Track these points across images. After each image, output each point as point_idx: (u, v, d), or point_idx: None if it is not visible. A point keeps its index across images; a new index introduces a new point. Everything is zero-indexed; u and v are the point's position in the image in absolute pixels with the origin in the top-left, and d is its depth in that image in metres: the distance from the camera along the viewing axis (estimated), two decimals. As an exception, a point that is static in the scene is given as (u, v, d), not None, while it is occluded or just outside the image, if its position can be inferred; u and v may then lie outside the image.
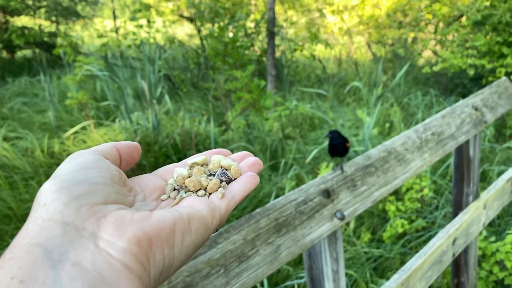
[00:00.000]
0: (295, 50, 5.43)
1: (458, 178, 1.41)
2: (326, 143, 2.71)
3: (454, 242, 1.28)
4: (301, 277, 1.82)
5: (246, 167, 0.38)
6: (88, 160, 0.31)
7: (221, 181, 0.36)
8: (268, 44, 4.49)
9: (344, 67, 6.30)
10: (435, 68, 4.22)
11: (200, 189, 0.35)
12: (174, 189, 0.36)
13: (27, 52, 7.33)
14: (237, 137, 3.26)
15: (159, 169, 0.39)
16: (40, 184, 2.80)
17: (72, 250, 0.25)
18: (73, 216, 0.27)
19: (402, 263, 2.00)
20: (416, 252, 2.05)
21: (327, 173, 0.96)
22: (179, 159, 3.00)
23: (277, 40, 5.51)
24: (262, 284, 1.69)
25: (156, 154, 2.85)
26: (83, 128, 3.61)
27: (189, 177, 0.36)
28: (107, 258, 0.26)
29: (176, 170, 0.37)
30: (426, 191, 2.24)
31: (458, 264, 1.51)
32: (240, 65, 3.62)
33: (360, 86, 3.29)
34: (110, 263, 0.26)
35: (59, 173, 0.30)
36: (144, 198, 0.34)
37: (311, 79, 5.64)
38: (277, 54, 5.49)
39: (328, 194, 0.92)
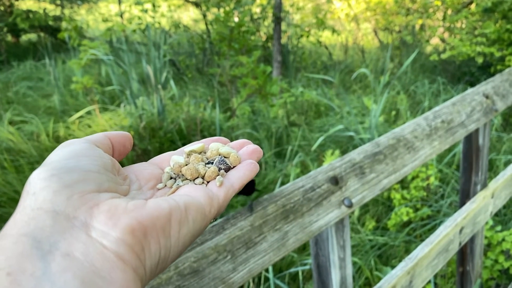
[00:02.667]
0: (301, 36, 5.37)
1: (467, 167, 1.39)
2: (331, 130, 2.69)
3: (461, 231, 1.28)
4: (305, 264, 1.83)
5: (245, 155, 0.37)
6: (79, 148, 0.30)
7: (220, 169, 0.35)
8: (274, 29, 4.44)
9: (350, 54, 6.24)
10: (443, 56, 4.16)
11: (197, 177, 0.34)
12: (171, 178, 0.34)
13: (32, 36, 7.30)
14: (242, 124, 3.25)
15: (155, 157, 0.37)
16: (45, 168, 2.81)
17: (62, 240, 0.24)
18: (64, 205, 0.25)
19: (407, 251, 2.00)
20: (421, 240, 2.05)
21: (335, 160, 0.95)
22: (184, 145, 2.99)
23: (283, 26, 5.45)
24: (267, 270, 1.70)
25: (161, 139, 2.84)
26: (88, 112, 3.61)
27: (186, 165, 0.35)
28: (99, 249, 0.24)
29: (173, 158, 0.36)
30: (432, 179, 2.22)
31: (464, 253, 1.50)
32: (246, 51, 3.59)
33: (367, 73, 3.26)
34: (103, 253, 0.24)
35: (49, 160, 0.29)
36: (139, 187, 0.32)
37: (317, 65, 5.59)
38: (283, 40, 5.43)
39: (336, 181, 0.91)
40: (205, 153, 0.37)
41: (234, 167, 0.35)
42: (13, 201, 2.44)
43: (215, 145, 0.37)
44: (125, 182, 0.32)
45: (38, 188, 0.26)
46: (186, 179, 0.34)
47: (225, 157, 0.36)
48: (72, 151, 0.30)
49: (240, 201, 2.51)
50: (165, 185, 0.34)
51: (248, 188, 0.84)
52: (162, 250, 0.27)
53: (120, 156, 0.35)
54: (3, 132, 3.08)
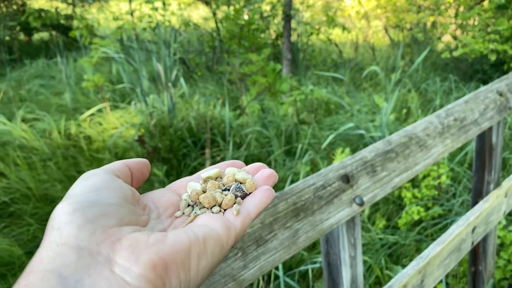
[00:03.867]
0: (311, 33, 5.35)
1: (479, 166, 1.38)
2: (342, 128, 2.68)
3: (473, 230, 1.26)
4: (315, 262, 1.82)
5: (261, 180, 0.37)
6: (101, 180, 0.31)
7: (236, 196, 0.35)
8: (284, 27, 4.43)
9: (360, 52, 6.20)
10: (455, 53, 4.10)
11: (215, 205, 0.34)
12: (188, 205, 0.35)
13: (44, 35, 7.38)
14: (252, 122, 3.25)
15: (172, 183, 0.38)
16: (57, 165, 2.84)
17: (87, 277, 0.25)
18: (88, 240, 0.26)
19: (418, 250, 1.99)
20: (432, 239, 2.03)
21: (346, 158, 0.94)
22: (194, 143, 3.01)
23: (293, 24, 5.43)
24: (277, 268, 1.70)
25: (171, 137, 2.85)
26: (99, 110, 3.64)
27: (203, 191, 0.35)
28: (122, 285, 0.25)
29: (190, 185, 0.36)
30: (443, 178, 2.20)
31: (476, 253, 1.49)
32: (256, 49, 3.59)
33: (378, 71, 3.23)
34: None
35: (72, 193, 0.30)
36: (158, 216, 0.33)
37: (327, 63, 5.57)
38: (293, 38, 5.42)
39: (347, 179, 0.90)
40: (221, 178, 0.37)
41: (250, 193, 0.35)
42: (26, 197, 2.47)
43: (231, 171, 0.37)
44: (144, 212, 0.32)
45: (62, 223, 0.27)
46: (204, 207, 0.34)
47: (241, 183, 0.36)
48: (94, 184, 0.30)
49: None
50: (183, 213, 0.34)
51: None
52: (182, 284, 0.28)
53: (138, 183, 0.35)
54: (16, 130, 3.12)
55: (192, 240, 0.29)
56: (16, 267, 1.96)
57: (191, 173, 2.74)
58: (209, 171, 0.37)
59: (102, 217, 0.28)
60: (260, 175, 0.37)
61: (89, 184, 0.30)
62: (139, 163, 0.35)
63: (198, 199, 0.34)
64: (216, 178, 0.37)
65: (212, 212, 0.33)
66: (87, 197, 0.29)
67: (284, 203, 0.82)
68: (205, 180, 0.36)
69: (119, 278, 0.25)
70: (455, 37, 5.15)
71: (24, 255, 2.04)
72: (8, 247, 2.00)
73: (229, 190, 0.35)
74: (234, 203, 0.34)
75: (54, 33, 6.90)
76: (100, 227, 0.27)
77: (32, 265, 0.26)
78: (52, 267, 0.25)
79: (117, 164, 0.34)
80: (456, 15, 5.08)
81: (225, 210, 0.34)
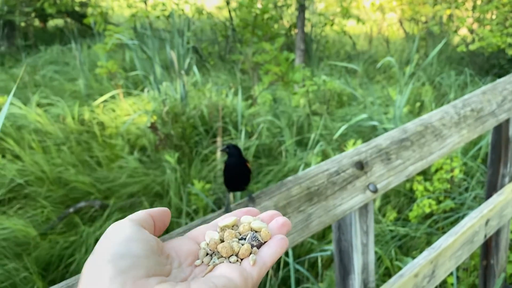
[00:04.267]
0: (325, 24, 5.30)
1: (495, 159, 1.36)
2: (354, 119, 2.66)
3: (487, 223, 1.25)
4: (325, 250, 1.83)
5: (275, 229, 0.38)
6: (129, 232, 0.33)
7: (252, 246, 0.36)
8: (298, 17, 4.39)
9: (374, 45, 6.13)
10: (472, 47, 4.03)
11: (232, 255, 0.36)
12: (207, 254, 0.37)
13: (59, 22, 7.43)
14: (263, 111, 3.24)
15: (191, 231, 0.40)
16: (71, 149, 2.88)
17: None
18: None
19: (428, 243, 1.98)
20: (443, 232, 2.02)
21: (360, 145, 0.94)
22: (206, 131, 3.02)
23: (306, 14, 5.38)
24: (287, 254, 1.71)
25: (183, 124, 2.87)
26: (112, 97, 3.66)
27: (221, 240, 0.37)
28: None
29: (208, 234, 0.38)
30: (456, 171, 2.18)
31: (488, 246, 1.48)
32: (269, 38, 3.57)
33: (393, 62, 3.20)
34: None
35: (103, 246, 0.32)
36: (179, 264, 0.35)
37: (340, 55, 5.52)
38: (306, 28, 5.37)
39: (361, 166, 0.90)
40: (237, 226, 0.39)
41: (265, 242, 0.37)
42: (40, 180, 2.51)
43: (247, 219, 0.39)
44: (167, 261, 0.34)
45: (94, 274, 0.30)
46: (222, 256, 0.36)
47: (256, 231, 0.38)
48: (123, 236, 0.32)
49: (260, 187, 2.52)
50: (202, 262, 0.36)
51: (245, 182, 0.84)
52: None
53: (160, 232, 0.37)
54: (31, 114, 3.16)
55: None
56: (31, 247, 2.00)
57: (202, 161, 2.75)
58: (226, 219, 0.39)
59: (132, 269, 0.30)
60: (274, 224, 0.39)
61: (119, 236, 0.33)
62: (161, 212, 0.38)
63: (216, 248, 0.37)
64: (233, 226, 0.39)
65: (230, 262, 0.35)
66: (118, 249, 0.31)
67: (298, 187, 0.82)
68: (222, 229, 0.38)
69: None
70: (471, 31, 5.06)
71: (38, 236, 2.08)
72: (23, 228, 2.04)
73: (245, 239, 0.37)
74: (251, 253, 0.36)
75: (68, 20, 6.94)
76: (130, 279, 0.29)
77: None
78: None
79: (142, 214, 0.36)
80: (474, 8, 4.98)
81: (242, 259, 0.36)
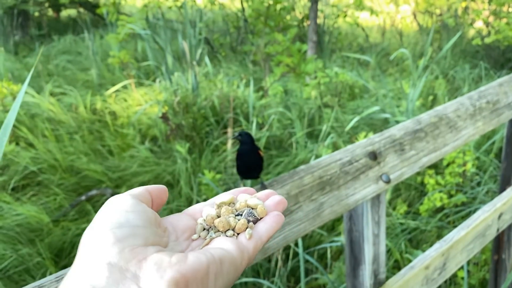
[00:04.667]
0: (338, 16, 5.25)
1: (510, 152, 1.34)
2: (366, 112, 2.64)
3: (499, 216, 1.24)
4: (335, 241, 1.83)
5: (271, 206, 0.39)
6: (127, 204, 0.34)
7: (249, 221, 0.37)
8: (311, 8, 4.35)
9: (387, 37, 6.06)
10: (487, 40, 3.97)
11: (228, 229, 0.36)
12: (204, 229, 0.37)
13: (72, 12, 7.47)
14: (274, 103, 3.23)
15: (188, 208, 0.40)
16: (83, 138, 2.91)
17: None
18: (117, 258, 0.29)
19: (439, 236, 1.97)
20: (454, 226, 2.01)
21: (374, 135, 0.93)
22: (217, 122, 3.02)
23: (319, 6, 5.33)
24: (296, 244, 1.71)
25: (194, 115, 2.87)
26: (124, 87, 3.68)
27: (217, 216, 0.37)
28: None
29: (205, 210, 0.39)
30: (469, 165, 2.16)
31: (500, 241, 1.46)
32: (281, 29, 3.55)
33: (408, 54, 3.16)
34: None
35: (101, 216, 0.32)
36: (176, 238, 0.36)
37: (352, 47, 5.47)
38: (319, 20, 5.33)
39: (374, 156, 0.90)
40: (234, 204, 0.40)
41: (261, 218, 0.37)
42: (53, 167, 2.55)
43: (243, 197, 0.40)
44: (164, 234, 0.35)
45: (94, 241, 0.30)
46: (218, 230, 0.36)
47: (252, 208, 0.38)
48: (122, 207, 0.33)
49: (270, 178, 2.52)
50: (199, 236, 0.36)
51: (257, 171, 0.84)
52: None
53: (158, 208, 0.38)
54: (45, 103, 3.20)
55: (210, 261, 0.31)
56: (44, 233, 2.04)
57: (213, 152, 2.76)
58: (223, 196, 0.40)
59: (130, 237, 0.31)
60: (270, 202, 0.39)
61: (117, 207, 0.33)
62: (158, 189, 0.38)
63: (213, 223, 0.37)
64: (229, 203, 0.39)
65: (227, 236, 0.36)
66: (117, 219, 0.32)
67: (310, 176, 0.82)
68: (219, 206, 0.39)
69: None
70: (487, 24, 4.97)
71: (51, 222, 2.11)
72: (36, 214, 2.08)
73: (241, 215, 0.37)
74: (247, 228, 0.36)
75: (81, 10, 6.97)
76: (128, 246, 0.30)
77: (68, 278, 0.29)
78: (85, 281, 0.28)
79: (140, 189, 0.37)
80: (490, 1, 4.89)
81: (238, 234, 0.36)
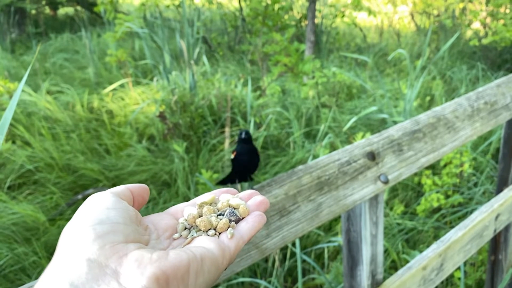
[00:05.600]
0: (336, 16, 5.25)
1: (507, 153, 1.35)
2: (364, 112, 2.64)
3: (496, 217, 1.24)
4: (332, 241, 1.83)
5: (253, 206, 0.39)
6: (108, 201, 0.34)
7: (230, 220, 0.37)
8: (309, 8, 4.35)
9: (385, 38, 6.07)
10: (485, 41, 3.98)
11: (210, 229, 0.36)
12: (185, 228, 0.37)
13: (69, 10, 7.45)
14: (272, 103, 3.23)
15: (169, 208, 0.40)
16: (80, 137, 2.90)
17: (96, 287, 0.27)
18: (97, 254, 0.29)
19: (436, 237, 1.97)
20: (451, 227, 2.01)
21: (372, 136, 0.93)
22: (214, 121, 3.02)
23: (317, 5, 5.33)
24: (293, 244, 1.71)
25: (192, 114, 2.87)
26: (122, 85, 3.67)
27: (199, 216, 0.37)
28: None
29: (186, 210, 0.38)
30: (466, 166, 2.16)
31: (497, 241, 1.46)
32: (279, 29, 3.54)
33: (405, 54, 3.16)
34: None
35: (82, 213, 0.32)
36: (157, 237, 0.36)
37: (350, 47, 5.47)
38: (316, 20, 5.33)
39: (373, 156, 0.89)
40: (216, 204, 0.39)
41: (243, 218, 0.37)
42: (49, 166, 2.54)
43: (226, 197, 0.40)
44: (145, 232, 0.35)
45: (74, 237, 0.30)
46: (200, 230, 0.36)
47: (235, 208, 0.38)
48: (103, 204, 0.33)
49: (268, 178, 2.52)
50: (181, 235, 0.36)
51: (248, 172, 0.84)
52: None
53: (139, 207, 0.38)
54: (41, 101, 3.18)
55: (191, 258, 0.31)
56: (40, 232, 2.03)
57: (210, 151, 2.76)
58: (204, 196, 0.40)
59: (111, 234, 0.30)
60: (252, 202, 0.39)
61: (98, 204, 0.33)
62: (140, 188, 0.38)
63: (194, 222, 0.37)
64: (211, 203, 0.39)
65: (208, 235, 0.35)
66: (97, 216, 0.32)
67: (309, 177, 0.82)
68: (201, 206, 0.39)
69: None
70: (485, 25, 4.99)
71: (47, 221, 2.10)
72: (32, 213, 2.07)
73: (223, 215, 0.37)
74: (229, 227, 0.36)
75: (78, 8, 6.95)
76: (109, 243, 0.30)
77: (47, 274, 0.29)
78: (65, 277, 0.28)
79: (121, 188, 0.37)
80: (488, 2, 4.90)
81: (220, 233, 0.36)
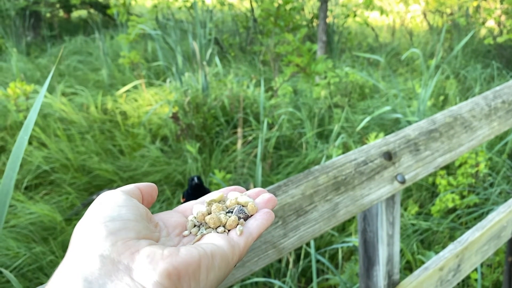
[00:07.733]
0: (348, 16, 5.23)
1: (524, 152, 1.33)
2: (378, 112, 2.63)
3: (514, 217, 1.22)
4: (347, 242, 1.82)
5: (261, 204, 0.39)
6: (119, 199, 0.34)
7: (239, 217, 0.37)
8: (320, 8, 4.34)
9: (397, 37, 6.02)
10: (500, 39, 3.92)
11: (219, 226, 0.37)
12: (195, 226, 0.37)
13: (82, 12, 7.54)
14: (284, 103, 3.23)
15: (179, 206, 0.41)
16: (94, 138, 2.93)
17: (110, 282, 0.28)
18: (110, 250, 0.29)
19: (451, 237, 1.95)
20: (467, 228, 1.99)
21: (389, 135, 0.93)
22: (227, 122, 3.03)
23: (328, 5, 5.31)
24: (308, 245, 1.71)
25: (205, 115, 2.88)
26: (135, 87, 3.71)
27: (208, 214, 0.38)
28: None
29: (195, 207, 0.39)
30: (482, 166, 2.14)
31: (515, 242, 1.44)
32: (291, 29, 3.54)
33: (419, 53, 3.14)
34: None
35: (94, 210, 0.33)
36: (167, 234, 0.36)
37: (362, 47, 5.45)
38: (328, 20, 5.31)
39: (389, 156, 0.89)
40: (224, 202, 0.40)
41: (251, 215, 0.38)
42: (65, 167, 2.57)
43: (234, 194, 0.40)
44: (156, 229, 0.35)
45: (87, 234, 0.31)
46: (209, 227, 0.37)
47: (243, 205, 0.38)
48: (114, 202, 0.34)
49: (280, 178, 2.52)
50: (190, 232, 0.37)
51: None
52: None
53: (148, 205, 0.39)
54: (56, 103, 3.23)
55: (202, 255, 0.31)
56: (57, 232, 2.06)
57: (223, 151, 2.77)
58: (213, 194, 0.40)
59: (123, 231, 0.31)
60: (260, 199, 0.40)
61: (110, 202, 0.34)
62: (148, 186, 0.39)
63: (204, 220, 0.37)
64: (220, 201, 0.40)
65: (217, 232, 0.36)
66: (109, 213, 0.32)
67: (325, 176, 0.82)
68: (209, 203, 0.39)
69: (138, 284, 0.28)
70: (499, 23, 4.92)
71: (63, 221, 2.13)
72: (49, 213, 2.10)
73: (232, 212, 0.38)
74: (238, 224, 0.37)
75: (92, 10, 7.03)
76: (121, 239, 0.30)
77: (60, 270, 0.29)
78: (78, 272, 0.28)
79: (131, 186, 0.37)
80: (502, 0, 4.83)
81: (229, 230, 0.36)
